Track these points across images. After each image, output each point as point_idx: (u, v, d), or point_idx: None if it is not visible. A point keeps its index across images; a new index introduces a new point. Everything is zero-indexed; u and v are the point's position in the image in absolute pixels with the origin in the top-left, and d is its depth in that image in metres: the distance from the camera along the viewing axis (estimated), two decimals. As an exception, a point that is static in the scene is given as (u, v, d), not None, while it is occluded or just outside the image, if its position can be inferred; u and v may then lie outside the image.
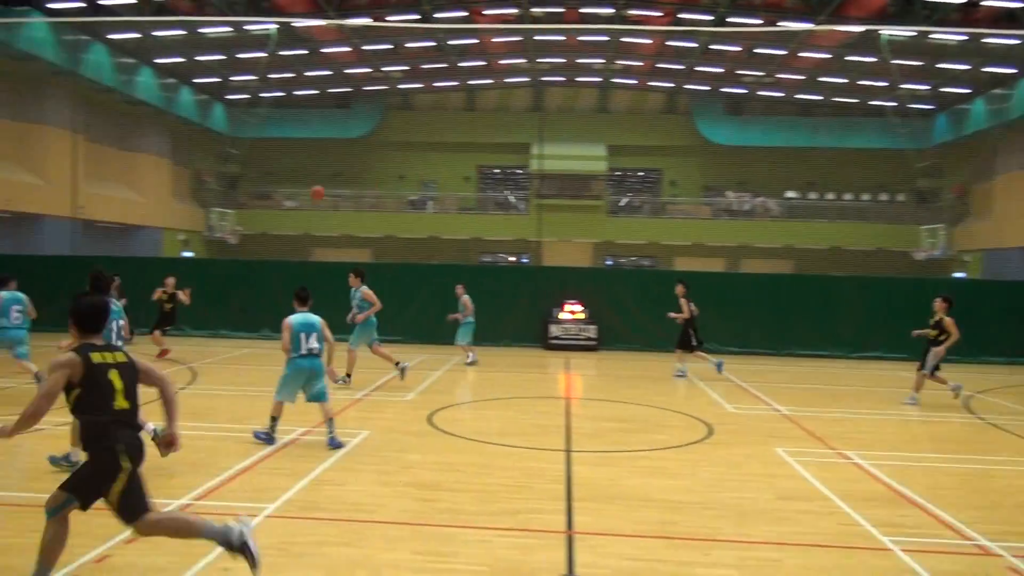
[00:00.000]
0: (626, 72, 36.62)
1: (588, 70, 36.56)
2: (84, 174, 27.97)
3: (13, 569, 4.84)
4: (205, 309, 19.81)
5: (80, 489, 4.28)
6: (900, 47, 26.43)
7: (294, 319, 8.57)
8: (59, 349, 5.02)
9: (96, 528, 5.66)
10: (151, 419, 9.15)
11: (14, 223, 26.13)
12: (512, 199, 40.02)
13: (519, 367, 16.47)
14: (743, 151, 38.71)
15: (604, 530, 6.03)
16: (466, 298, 16.02)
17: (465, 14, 27.99)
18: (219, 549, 5.30)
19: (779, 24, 26.65)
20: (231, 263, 25.72)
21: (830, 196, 38.50)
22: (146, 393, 4.79)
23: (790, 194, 38.72)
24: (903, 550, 5.73)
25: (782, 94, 37.05)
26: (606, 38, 30.52)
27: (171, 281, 16.09)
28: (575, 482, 7.35)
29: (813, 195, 38.69)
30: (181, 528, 4.51)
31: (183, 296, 16.05)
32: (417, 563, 5.27)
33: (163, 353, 15.54)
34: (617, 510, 6.53)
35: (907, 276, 28.53)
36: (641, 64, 34.90)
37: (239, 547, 4.38)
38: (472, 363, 16.17)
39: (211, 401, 11.23)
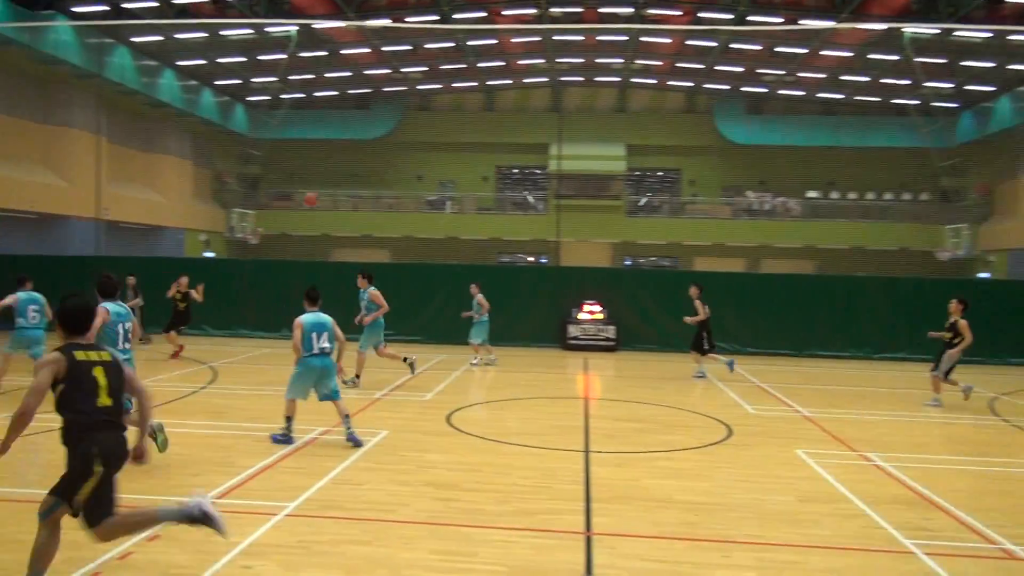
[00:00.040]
0: (645, 71, 36.49)
1: (607, 70, 36.45)
2: (108, 175, 28.31)
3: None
4: (225, 309, 20.08)
5: (64, 492, 4.33)
6: (923, 45, 26.13)
7: (305, 319, 8.64)
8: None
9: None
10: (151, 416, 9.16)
11: (40, 224, 26.53)
12: (531, 199, 40.00)
13: (537, 367, 16.46)
14: (763, 150, 38.45)
15: (623, 531, 6.01)
16: (480, 297, 16.03)
17: (484, 15, 28.02)
18: (240, 547, 5.36)
19: (800, 22, 26.44)
20: (251, 263, 25.91)
21: (852, 195, 38.11)
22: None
23: (811, 193, 38.37)
24: (926, 553, 5.66)
25: (803, 93, 36.74)
26: (625, 38, 30.42)
27: (184, 280, 16.26)
28: (593, 483, 7.34)
29: (835, 194, 38.31)
30: (140, 522, 4.52)
31: (196, 294, 16.19)
32: (435, 562, 5.28)
33: (177, 352, 15.69)
34: (636, 511, 6.51)
35: (930, 276, 28.19)
36: (660, 63, 34.75)
37: (201, 518, 4.38)
38: (490, 363, 16.18)
39: (231, 400, 11.33)
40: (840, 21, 25.06)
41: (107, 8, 24.88)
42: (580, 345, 19.28)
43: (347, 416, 8.59)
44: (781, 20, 26.66)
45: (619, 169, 38.40)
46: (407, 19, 27.70)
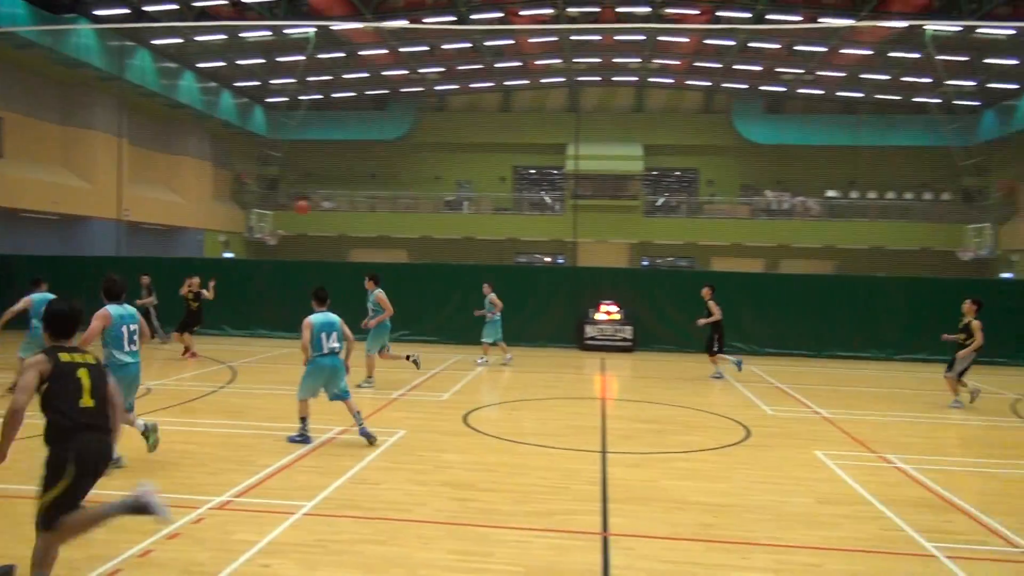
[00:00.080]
0: (663, 71, 36.36)
1: (624, 69, 36.36)
2: (128, 177, 28.64)
3: (66, 562, 4.96)
4: (244, 309, 20.24)
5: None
6: (945, 42, 25.83)
7: (315, 318, 8.69)
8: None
9: (141, 524, 5.77)
10: (144, 414, 9.27)
11: (62, 225, 26.87)
12: (548, 199, 39.98)
13: (554, 368, 16.44)
14: (782, 150, 38.21)
15: (640, 532, 5.99)
16: (493, 296, 16.04)
17: (501, 15, 28.03)
18: (259, 545, 5.40)
19: (819, 21, 26.23)
20: (270, 264, 26.10)
21: (872, 195, 37.77)
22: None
23: (830, 193, 38.08)
24: (948, 556, 5.60)
25: (822, 92, 36.47)
26: (643, 37, 30.33)
27: (196, 280, 16.34)
28: (610, 483, 7.32)
29: (854, 194, 37.99)
30: (87, 522, 4.48)
31: (208, 293, 16.29)
32: (453, 562, 5.29)
33: (186, 351, 15.80)
34: (653, 512, 6.49)
35: (952, 276, 27.86)
36: (678, 63, 34.62)
37: (143, 508, 4.35)
38: (506, 362, 16.19)
39: (249, 400, 11.40)
40: (860, 19, 24.83)
41: (128, 11, 25.16)
42: (597, 345, 19.25)
43: (358, 412, 8.66)
44: (800, 18, 26.48)
45: (636, 169, 38.29)
46: (424, 20, 27.78)
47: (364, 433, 8.54)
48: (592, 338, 19.38)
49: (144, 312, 17.62)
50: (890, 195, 37.71)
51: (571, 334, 19.79)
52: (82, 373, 4.44)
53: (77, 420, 4.34)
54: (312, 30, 26.46)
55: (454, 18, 27.43)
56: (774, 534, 6.04)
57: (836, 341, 18.94)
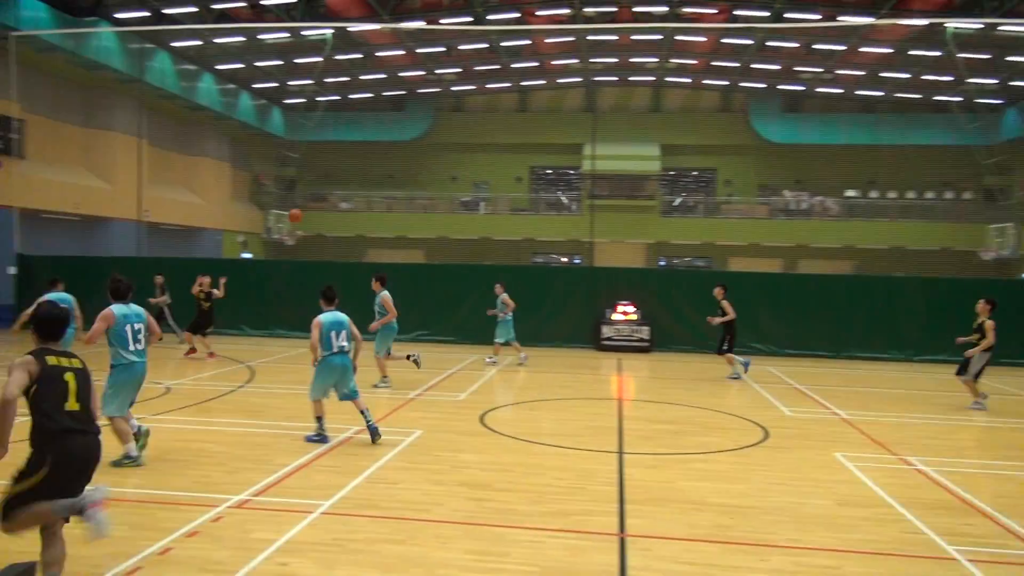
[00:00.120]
0: (680, 71, 36.21)
1: (641, 69, 36.24)
2: (148, 178, 28.91)
3: (87, 559, 5.02)
4: (263, 309, 20.38)
5: (15, 480, 4.39)
6: (967, 40, 25.54)
7: (324, 318, 8.75)
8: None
9: (160, 522, 5.86)
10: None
11: (83, 226, 27.18)
12: (564, 200, 39.94)
13: (571, 368, 16.42)
14: (800, 149, 37.95)
15: (657, 533, 5.98)
16: (505, 296, 16.06)
17: (517, 15, 28.04)
18: (277, 544, 5.44)
19: (838, 19, 26.03)
20: (288, 264, 26.25)
21: (892, 194, 37.42)
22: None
23: (850, 193, 37.76)
24: (969, 560, 5.54)
25: (841, 90, 36.17)
26: (660, 37, 30.23)
27: (207, 280, 16.40)
28: (627, 484, 7.30)
29: (874, 193, 37.66)
30: (38, 517, 4.47)
31: (218, 292, 16.39)
32: (469, 562, 5.30)
33: (191, 351, 15.90)
34: (670, 513, 6.47)
35: (974, 277, 27.54)
36: (695, 62, 34.46)
37: (83, 514, 4.34)
38: (521, 362, 16.20)
39: (267, 399, 11.47)
40: (880, 17, 24.61)
41: (148, 14, 25.41)
42: (614, 346, 19.21)
43: (365, 409, 8.72)
44: (819, 17, 26.27)
45: (653, 169, 38.17)
46: (441, 21, 27.83)
47: (371, 427, 8.61)
48: (609, 338, 19.34)
49: (158, 312, 17.83)
50: (910, 195, 37.34)
51: (588, 334, 19.76)
52: (68, 376, 4.48)
53: (62, 423, 4.38)
54: (329, 31, 26.60)
55: (471, 19, 27.47)
56: (792, 536, 6.01)
57: (855, 342, 18.79)
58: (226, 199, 35.69)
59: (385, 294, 12.38)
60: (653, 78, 37.79)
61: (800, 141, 37.66)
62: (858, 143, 36.80)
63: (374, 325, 12.25)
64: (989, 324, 11.89)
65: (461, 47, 31.89)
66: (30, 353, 4.49)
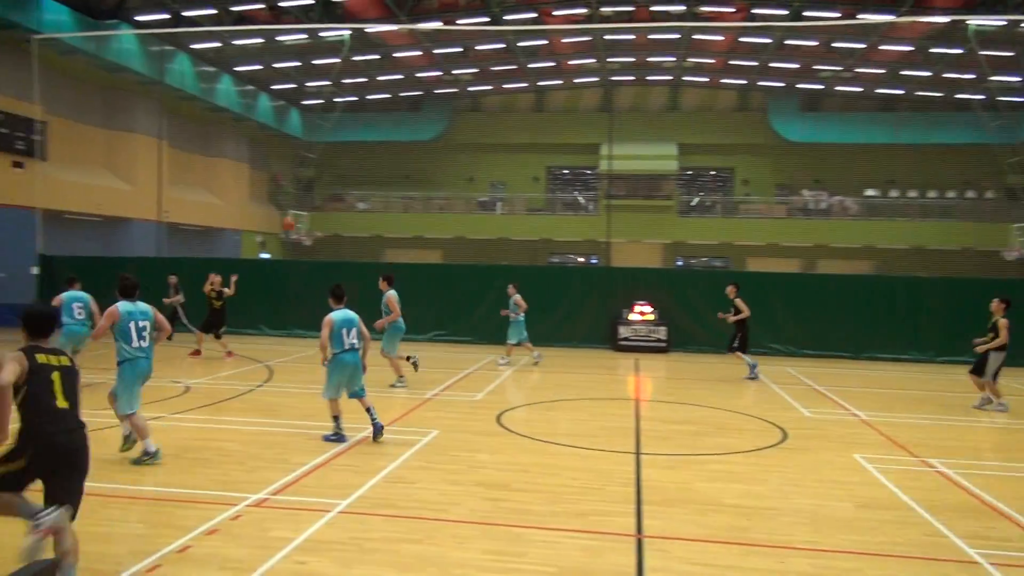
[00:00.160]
0: (698, 70, 36.04)
1: (659, 68, 36.11)
2: (168, 179, 29.17)
3: (108, 556, 5.07)
4: (281, 309, 20.50)
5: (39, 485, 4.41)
6: (989, 37, 25.24)
7: (335, 315, 8.81)
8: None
9: (179, 520, 5.90)
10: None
11: (104, 226, 27.47)
12: (581, 200, 39.88)
13: (588, 368, 16.39)
14: (819, 148, 37.64)
15: (674, 534, 5.95)
16: (517, 297, 16.06)
17: (534, 15, 28.03)
18: (295, 542, 5.46)
19: (858, 17, 25.80)
20: (306, 264, 26.39)
21: (912, 194, 37.03)
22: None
23: (869, 192, 37.42)
24: (991, 563, 5.47)
25: (861, 89, 35.85)
26: (677, 36, 30.12)
27: (218, 279, 16.44)
28: (645, 485, 7.27)
29: (894, 193, 37.28)
30: (7, 507, 4.48)
31: (229, 290, 16.46)
32: (486, 562, 5.30)
33: (196, 352, 15.97)
34: (688, 514, 6.43)
35: (996, 277, 27.19)
36: (713, 61, 34.29)
37: (31, 525, 4.30)
38: (537, 360, 16.19)
39: (284, 398, 11.54)
40: (900, 14, 24.37)
41: (168, 16, 25.66)
42: (631, 346, 19.15)
43: (371, 407, 8.78)
44: (838, 15, 26.06)
45: (671, 169, 38.01)
46: (458, 21, 27.88)
47: (376, 425, 8.67)
48: (626, 339, 19.28)
49: (172, 311, 17.97)
50: (931, 194, 36.93)
51: (605, 334, 19.71)
52: (55, 376, 4.52)
53: (49, 421, 4.40)
54: (347, 33, 26.72)
55: (487, 19, 27.50)
56: (812, 538, 5.95)
57: (876, 343, 18.62)
58: (245, 200, 35.94)
59: (391, 293, 12.45)
60: (670, 77, 37.64)
61: (819, 140, 37.35)
62: (878, 142, 36.44)
63: (380, 323, 12.32)
64: (1003, 323, 11.76)
65: (478, 47, 31.93)
66: (20, 350, 4.52)
